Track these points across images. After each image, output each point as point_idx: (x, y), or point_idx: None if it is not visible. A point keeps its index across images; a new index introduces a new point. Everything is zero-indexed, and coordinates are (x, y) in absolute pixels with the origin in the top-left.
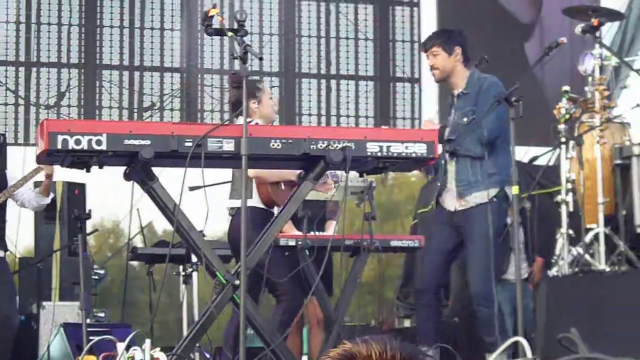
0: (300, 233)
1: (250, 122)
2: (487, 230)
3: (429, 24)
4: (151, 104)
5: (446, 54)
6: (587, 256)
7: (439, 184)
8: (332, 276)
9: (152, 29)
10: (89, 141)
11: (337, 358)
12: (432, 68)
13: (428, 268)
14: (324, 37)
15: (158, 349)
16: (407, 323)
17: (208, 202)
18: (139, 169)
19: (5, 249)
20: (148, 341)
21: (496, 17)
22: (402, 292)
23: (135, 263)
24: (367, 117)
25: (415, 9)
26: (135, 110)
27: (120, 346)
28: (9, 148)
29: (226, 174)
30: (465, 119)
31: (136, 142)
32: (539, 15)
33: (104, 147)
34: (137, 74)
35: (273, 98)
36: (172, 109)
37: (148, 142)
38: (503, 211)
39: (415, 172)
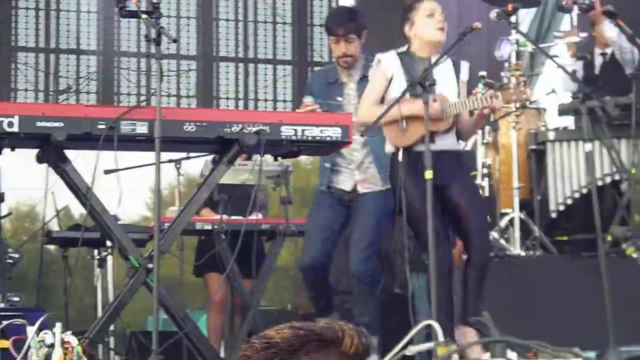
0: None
1: (405, 50)
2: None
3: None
4: (67, 86)
5: (359, 39)
6: (502, 241)
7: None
8: (251, 260)
9: (68, 11)
10: (1, 123)
11: (260, 347)
12: (345, 55)
13: None
14: (242, 21)
15: (69, 332)
16: None
17: (122, 185)
18: (52, 152)
19: None
20: (59, 324)
21: None
22: None
23: (51, 247)
24: (285, 101)
25: None
26: (51, 94)
27: (31, 330)
28: None
29: (141, 156)
30: None
31: (49, 124)
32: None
33: (15, 129)
34: (52, 56)
35: (436, 14)
36: (88, 92)
37: (61, 124)
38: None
39: None
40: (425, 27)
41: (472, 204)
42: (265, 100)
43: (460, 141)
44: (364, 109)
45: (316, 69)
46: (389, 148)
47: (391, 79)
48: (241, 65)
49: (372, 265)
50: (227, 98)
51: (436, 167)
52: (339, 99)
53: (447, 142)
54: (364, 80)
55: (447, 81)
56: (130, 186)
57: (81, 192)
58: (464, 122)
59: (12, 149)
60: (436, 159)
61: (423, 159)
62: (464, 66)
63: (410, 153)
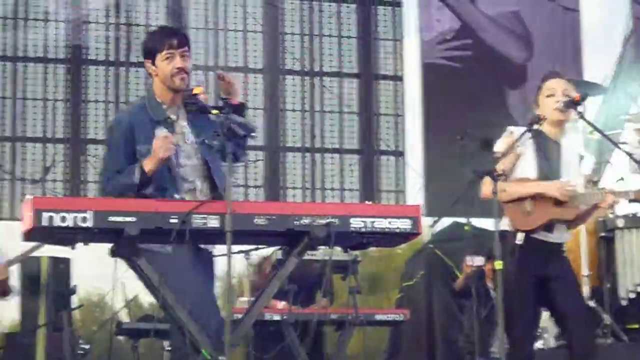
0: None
1: (538, 129)
2: None
3: (412, 97)
4: None
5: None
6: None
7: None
8: (323, 349)
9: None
10: (75, 218)
11: None
12: (183, 71)
13: None
14: (308, 111)
15: None
16: None
17: None
18: (125, 246)
19: None
20: None
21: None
22: None
23: (120, 337)
24: (351, 190)
25: (399, 82)
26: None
27: None
28: None
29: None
30: (215, 142)
31: (121, 219)
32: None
33: (89, 224)
34: None
35: (557, 94)
36: None
37: (133, 219)
38: None
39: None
40: (545, 108)
41: (577, 306)
42: (332, 189)
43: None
44: (486, 182)
45: (129, 109)
46: (504, 226)
47: (520, 154)
48: (308, 155)
49: None
50: (294, 187)
51: (547, 258)
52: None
53: (564, 236)
54: (198, 118)
55: (569, 170)
56: None
57: (154, 285)
58: (582, 220)
59: (86, 244)
60: (550, 250)
61: (541, 248)
62: (588, 160)
63: (531, 240)
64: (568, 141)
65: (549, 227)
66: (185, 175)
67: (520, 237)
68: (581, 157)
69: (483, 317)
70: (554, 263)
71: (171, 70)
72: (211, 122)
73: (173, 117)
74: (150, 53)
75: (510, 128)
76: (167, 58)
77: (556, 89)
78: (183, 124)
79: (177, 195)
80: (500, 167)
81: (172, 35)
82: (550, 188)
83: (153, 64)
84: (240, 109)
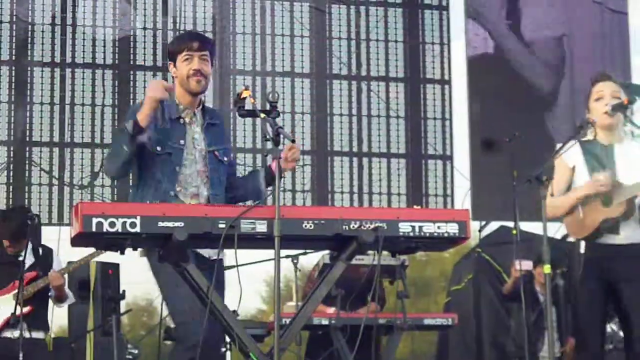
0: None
1: (588, 138)
2: None
3: (460, 101)
4: None
5: (211, 65)
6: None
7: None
8: (371, 354)
9: None
10: (123, 224)
11: None
12: (199, 73)
13: None
14: (356, 116)
15: None
16: None
17: (241, 282)
18: (173, 251)
19: (47, 330)
20: None
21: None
22: None
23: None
24: (399, 194)
25: (446, 86)
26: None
27: None
28: (43, 228)
29: (259, 253)
30: (226, 159)
31: (170, 224)
32: (560, 83)
33: (138, 229)
34: None
35: (605, 97)
36: None
37: (182, 224)
38: None
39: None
40: (594, 112)
41: None
42: (380, 193)
43: None
44: (550, 203)
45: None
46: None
47: (573, 168)
48: (355, 159)
49: None
50: (342, 192)
51: (614, 263)
52: (182, 142)
53: (634, 235)
54: (212, 127)
55: (635, 166)
56: (245, 279)
57: (202, 290)
58: None
59: (134, 249)
60: (617, 252)
61: (607, 254)
62: None
63: (593, 246)
64: (625, 146)
65: (612, 228)
66: (190, 180)
67: (582, 246)
68: None
69: (532, 321)
70: (624, 265)
71: (187, 71)
72: (225, 135)
73: (187, 119)
74: (171, 55)
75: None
76: (186, 59)
77: (604, 92)
78: (196, 130)
79: (172, 192)
80: (557, 188)
81: (194, 38)
82: (583, 188)
83: (175, 66)
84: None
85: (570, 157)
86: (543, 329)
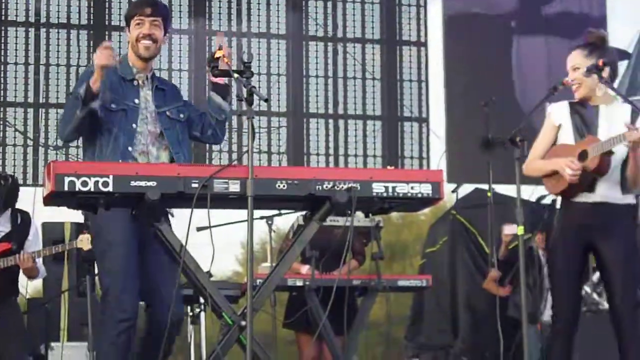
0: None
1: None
2: None
3: (437, 63)
4: None
5: (163, 32)
6: (594, 295)
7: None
8: (343, 316)
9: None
10: (96, 183)
11: None
12: (149, 37)
13: None
14: (332, 77)
15: None
16: None
17: (214, 242)
18: (146, 211)
19: (17, 294)
20: None
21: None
22: (410, 331)
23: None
24: (374, 156)
25: (423, 48)
26: None
27: None
28: None
29: (233, 211)
30: (182, 115)
31: (142, 183)
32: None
33: (110, 188)
34: None
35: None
36: None
37: (154, 183)
38: None
39: (425, 210)
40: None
41: (624, 270)
42: (355, 155)
43: (628, 195)
44: (529, 163)
45: None
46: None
47: (559, 126)
48: (331, 121)
49: None
50: (318, 154)
51: (590, 221)
52: (136, 101)
53: (608, 194)
54: (160, 91)
55: (617, 127)
56: (221, 240)
57: (175, 250)
58: (630, 170)
59: (107, 209)
60: (593, 211)
61: (581, 211)
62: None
63: (569, 204)
64: (611, 108)
65: (589, 186)
66: (140, 137)
67: (558, 202)
68: (634, 112)
69: (532, 285)
70: (599, 223)
71: (137, 35)
72: (178, 96)
73: (140, 82)
74: (127, 20)
75: (550, 106)
76: (138, 24)
77: (571, 63)
78: (147, 92)
79: (130, 147)
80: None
81: (146, 4)
82: (558, 162)
83: (129, 30)
84: (224, 91)
85: (558, 116)
86: (547, 291)
